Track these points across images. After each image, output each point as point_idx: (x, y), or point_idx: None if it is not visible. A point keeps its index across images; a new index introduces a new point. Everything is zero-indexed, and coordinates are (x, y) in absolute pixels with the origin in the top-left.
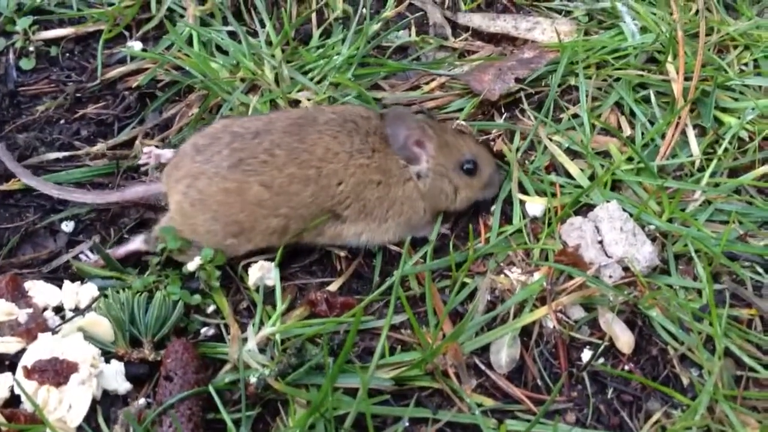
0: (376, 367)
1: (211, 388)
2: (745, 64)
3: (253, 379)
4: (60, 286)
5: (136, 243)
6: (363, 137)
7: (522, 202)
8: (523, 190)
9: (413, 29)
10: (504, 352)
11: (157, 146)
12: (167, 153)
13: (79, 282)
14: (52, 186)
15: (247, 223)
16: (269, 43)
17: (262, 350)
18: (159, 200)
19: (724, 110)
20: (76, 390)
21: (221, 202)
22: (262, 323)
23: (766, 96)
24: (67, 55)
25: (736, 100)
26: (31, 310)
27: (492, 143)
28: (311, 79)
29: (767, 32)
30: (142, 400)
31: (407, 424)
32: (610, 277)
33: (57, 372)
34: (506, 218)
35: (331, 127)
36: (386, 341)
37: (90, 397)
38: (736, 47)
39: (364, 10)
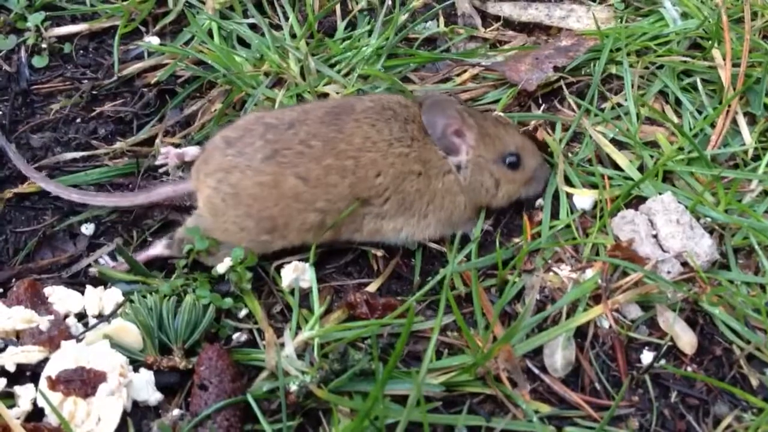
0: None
1: (249, 397)
2: None
3: (293, 387)
4: (81, 292)
5: (158, 248)
6: (402, 125)
7: (569, 196)
8: (568, 183)
9: (441, 20)
10: (559, 355)
11: (175, 145)
12: (191, 150)
13: (102, 287)
14: (72, 191)
15: (281, 219)
16: (293, 36)
17: (300, 356)
18: (186, 200)
19: None
20: (105, 401)
21: (255, 196)
22: (299, 327)
23: None
24: (81, 52)
25: None
26: (52, 317)
27: (535, 134)
28: (338, 72)
29: None
30: (176, 411)
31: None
32: (668, 272)
33: (84, 382)
34: (553, 213)
35: (369, 115)
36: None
37: (121, 408)
38: None
39: (391, 1)
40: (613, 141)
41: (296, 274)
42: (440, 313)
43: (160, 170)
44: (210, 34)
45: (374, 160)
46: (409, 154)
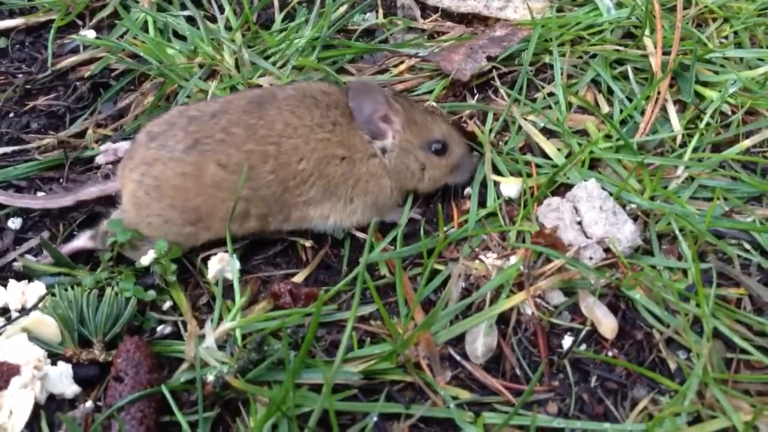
0: (343, 360)
1: (164, 389)
2: (725, 37)
3: (210, 378)
4: (4, 286)
5: (82, 240)
6: (323, 111)
7: (496, 184)
8: (497, 171)
9: (380, 11)
10: (480, 341)
11: (106, 137)
12: (123, 146)
13: (26, 281)
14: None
15: (204, 209)
16: (229, 29)
17: (221, 347)
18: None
19: (705, 84)
20: (18, 394)
21: (178, 187)
22: (221, 318)
23: (747, 69)
24: (17, 46)
25: (716, 73)
26: None
27: (464, 124)
28: (273, 64)
29: (747, 4)
30: (89, 403)
31: (376, 419)
32: (591, 258)
33: None
34: (481, 201)
35: (289, 102)
36: (354, 333)
37: (32, 401)
38: (715, 20)
39: None
40: (544, 130)
41: (222, 265)
42: (356, 300)
43: (102, 170)
44: (146, 27)
45: (296, 146)
46: (331, 139)
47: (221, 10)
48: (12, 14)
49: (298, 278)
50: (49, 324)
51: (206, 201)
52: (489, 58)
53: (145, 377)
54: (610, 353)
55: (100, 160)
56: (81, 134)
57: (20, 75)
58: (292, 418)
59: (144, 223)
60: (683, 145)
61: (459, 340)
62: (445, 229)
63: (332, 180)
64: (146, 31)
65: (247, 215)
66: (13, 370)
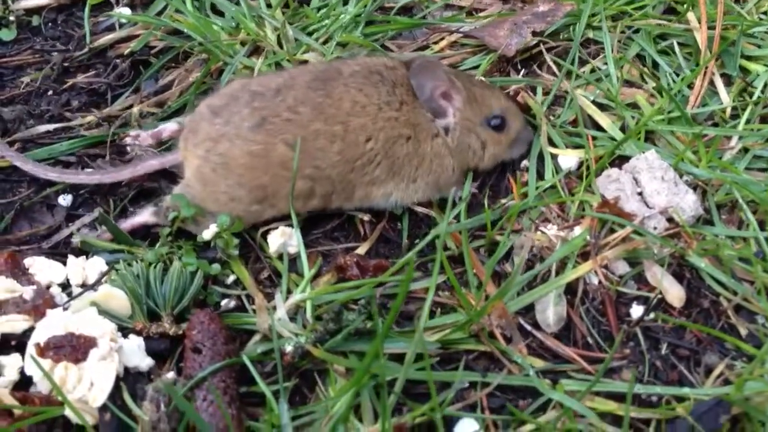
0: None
1: (245, 358)
2: (764, 13)
3: (289, 348)
4: (63, 263)
5: (145, 215)
6: (390, 88)
7: (554, 156)
8: (552, 144)
9: None
10: (551, 311)
11: (150, 114)
12: (169, 127)
13: (84, 257)
14: (52, 170)
15: (271, 187)
16: (268, 5)
17: (292, 319)
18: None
19: (749, 58)
20: (97, 366)
21: (246, 165)
22: (289, 291)
23: None
24: (50, 24)
25: (759, 47)
26: (34, 287)
27: (518, 98)
28: (316, 40)
29: None
30: (170, 374)
31: (465, 386)
32: (655, 228)
33: (74, 348)
34: (538, 174)
35: (356, 79)
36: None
37: (114, 373)
38: None
39: None
40: (594, 103)
41: (283, 239)
42: (435, 271)
43: (129, 154)
44: (183, 2)
45: (364, 125)
46: (399, 117)
47: None
48: None
49: (360, 251)
50: (119, 297)
51: (273, 179)
52: (534, 33)
53: (223, 348)
54: (677, 320)
55: (127, 141)
56: (124, 111)
57: (56, 53)
58: (383, 385)
59: (210, 199)
60: (733, 117)
61: (528, 310)
62: (503, 201)
63: (397, 160)
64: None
65: (312, 194)
66: (90, 343)
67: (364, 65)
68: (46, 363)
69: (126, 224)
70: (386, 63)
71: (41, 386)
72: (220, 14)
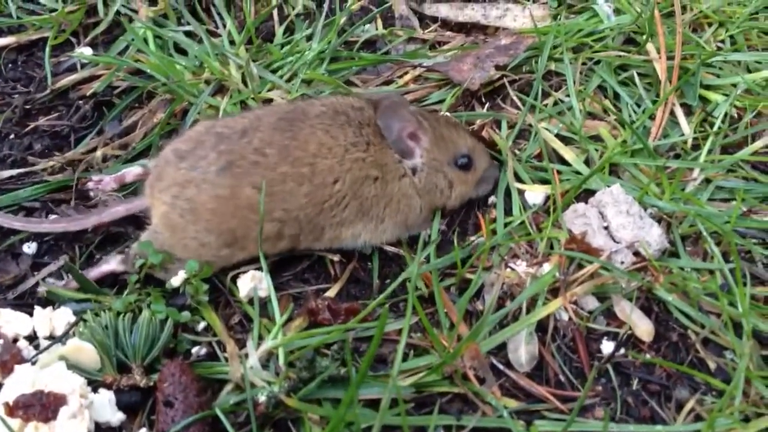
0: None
1: (218, 411)
2: (722, 41)
3: (262, 398)
4: (29, 313)
5: (112, 264)
6: (356, 129)
7: (521, 192)
8: (518, 179)
9: (379, 22)
10: (523, 349)
11: (115, 157)
12: (133, 171)
13: (50, 307)
14: (16, 219)
15: (240, 231)
16: (231, 43)
17: (264, 366)
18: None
19: (708, 87)
20: (68, 425)
21: (214, 210)
22: (260, 337)
23: (746, 71)
24: (10, 65)
25: (717, 76)
26: (1, 341)
27: (483, 134)
28: (281, 77)
29: (741, 8)
30: (143, 430)
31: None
32: (622, 263)
33: (44, 406)
34: (505, 211)
35: (322, 120)
36: (395, 346)
37: (85, 430)
38: (710, 24)
39: (328, 5)
40: (558, 136)
41: (254, 283)
42: (408, 314)
43: (93, 199)
44: (146, 42)
45: (331, 167)
46: (366, 158)
47: (222, 23)
48: (1, 33)
49: (330, 293)
50: (87, 351)
51: (242, 223)
52: (497, 67)
53: (195, 400)
54: (648, 356)
55: (91, 187)
56: (87, 154)
57: (17, 95)
58: None
59: (179, 245)
60: (694, 147)
61: (499, 349)
62: (472, 239)
63: (365, 200)
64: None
65: (281, 236)
66: (60, 400)
67: (330, 106)
68: (15, 423)
69: (93, 273)
70: (353, 103)
71: None
72: (183, 53)
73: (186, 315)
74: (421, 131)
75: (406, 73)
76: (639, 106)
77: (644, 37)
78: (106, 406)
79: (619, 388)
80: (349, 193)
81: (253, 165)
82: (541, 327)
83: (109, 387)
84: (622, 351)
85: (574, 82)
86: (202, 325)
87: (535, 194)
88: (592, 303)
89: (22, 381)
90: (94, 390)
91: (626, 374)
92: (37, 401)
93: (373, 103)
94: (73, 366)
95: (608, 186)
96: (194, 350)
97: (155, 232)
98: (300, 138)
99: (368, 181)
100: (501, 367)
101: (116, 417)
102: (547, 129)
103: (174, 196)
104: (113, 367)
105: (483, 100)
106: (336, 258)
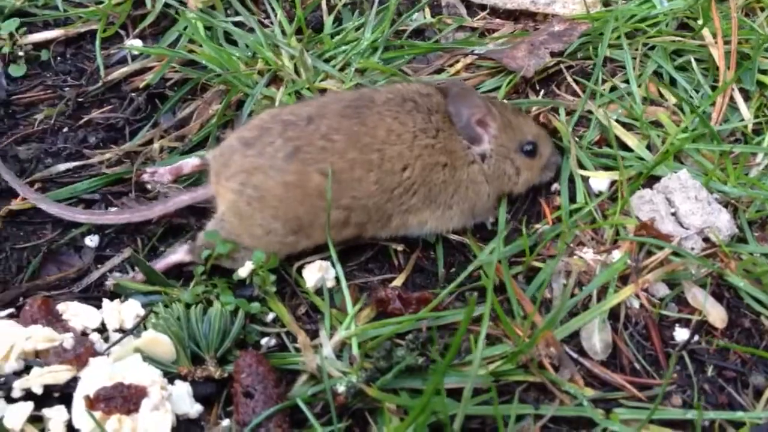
0: (464, 363)
1: (299, 401)
2: None
3: (341, 388)
4: (95, 306)
5: (180, 254)
6: (425, 115)
7: (584, 178)
8: (580, 167)
9: (427, 11)
10: (596, 337)
11: (171, 149)
12: (190, 162)
13: (118, 300)
14: (78, 211)
15: (306, 218)
16: (283, 32)
17: (337, 356)
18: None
19: (764, 72)
20: (151, 417)
21: (281, 197)
22: (332, 327)
23: None
24: (59, 58)
25: None
26: (71, 335)
27: (546, 121)
28: (333, 67)
29: None
30: (226, 422)
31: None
32: (692, 249)
33: (125, 399)
34: (570, 198)
35: (390, 107)
36: (469, 336)
37: (170, 423)
38: (762, 9)
39: None
40: (617, 122)
41: (321, 273)
42: (488, 303)
43: (150, 193)
44: (198, 33)
45: (400, 153)
46: (435, 145)
47: (271, 14)
48: (47, 26)
49: (397, 282)
50: (163, 343)
51: (309, 210)
52: (552, 54)
53: (274, 391)
54: (721, 342)
55: (145, 177)
56: (144, 146)
57: (68, 88)
58: (446, 423)
59: (246, 233)
60: (755, 131)
61: (571, 338)
62: (537, 226)
63: (434, 187)
64: (196, 39)
65: (347, 223)
66: (140, 393)
67: (396, 92)
68: (97, 416)
69: (160, 264)
70: (420, 90)
71: None
72: (232, 43)
73: (256, 306)
74: (490, 117)
75: (457, 61)
76: (697, 91)
77: (699, 22)
78: (184, 397)
79: (695, 375)
80: (418, 179)
81: (320, 151)
82: (613, 315)
83: (184, 379)
84: (696, 338)
85: (635, 68)
86: (270, 316)
87: (600, 181)
88: (662, 290)
89: (99, 374)
90: (170, 382)
91: (700, 361)
92: (118, 394)
93: (440, 89)
94: (148, 358)
95: (674, 172)
96: (263, 341)
97: (222, 220)
98: (368, 124)
99: (437, 167)
100: (574, 355)
101: (194, 409)
102: (608, 115)
103: (242, 184)
104: (188, 359)
105: (537, 87)
106: (400, 247)
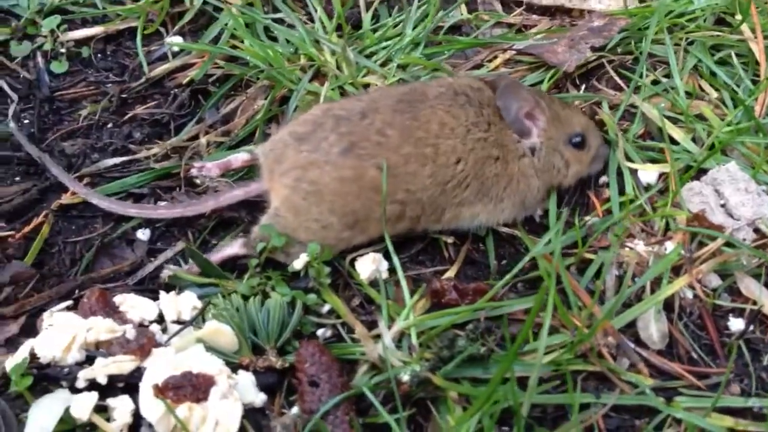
0: (522, 353)
1: (365, 390)
2: None
3: (405, 377)
4: (151, 299)
5: (235, 247)
6: (477, 109)
7: (632, 171)
8: (627, 159)
9: (463, 8)
10: (653, 327)
11: (218, 144)
12: (240, 157)
13: (173, 292)
14: (129, 205)
15: (362, 212)
16: (323, 28)
17: (397, 346)
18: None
19: None
20: (221, 405)
21: (337, 191)
22: (390, 318)
23: None
24: (100, 55)
25: None
26: (131, 326)
27: (594, 114)
28: (375, 62)
29: None
30: (295, 410)
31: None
32: (744, 240)
33: (195, 387)
34: (618, 190)
35: (443, 101)
36: (523, 326)
37: (240, 411)
38: None
39: None
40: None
41: (374, 265)
42: (552, 293)
43: (197, 180)
44: (241, 29)
45: (454, 147)
46: (488, 138)
47: (308, 12)
48: (85, 23)
49: (449, 274)
50: (226, 333)
51: (365, 204)
52: (593, 49)
53: (338, 380)
54: None
55: (194, 173)
56: (190, 141)
57: (110, 84)
58: (516, 411)
59: (302, 228)
60: None
61: (627, 327)
62: (587, 218)
63: (486, 180)
64: (237, 35)
65: (402, 217)
66: (209, 381)
67: (448, 86)
68: (163, 405)
69: (215, 257)
70: (471, 84)
71: (159, 428)
72: (273, 39)
73: (312, 297)
74: (539, 110)
75: (495, 57)
76: (738, 85)
77: (736, 17)
78: (249, 387)
79: (752, 364)
80: (471, 173)
81: (376, 146)
82: (667, 305)
83: (246, 369)
84: (752, 327)
85: (678, 62)
86: (326, 308)
87: (648, 173)
88: (714, 280)
89: (164, 364)
90: (234, 371)
91: (756, 350)
92: (187, 382)
93: (489, 83)
94: (210, 348)
95: (722, 164)
96: (320, 332)
97: (276, 215)
98: (421, 118)
99: (490, 161)
100: (632, 345)
101: (259, 398)
102: (654, 108)
103: (296, 179)
104: (249, 349)
105: (577, 82)
106: (450, 240)
